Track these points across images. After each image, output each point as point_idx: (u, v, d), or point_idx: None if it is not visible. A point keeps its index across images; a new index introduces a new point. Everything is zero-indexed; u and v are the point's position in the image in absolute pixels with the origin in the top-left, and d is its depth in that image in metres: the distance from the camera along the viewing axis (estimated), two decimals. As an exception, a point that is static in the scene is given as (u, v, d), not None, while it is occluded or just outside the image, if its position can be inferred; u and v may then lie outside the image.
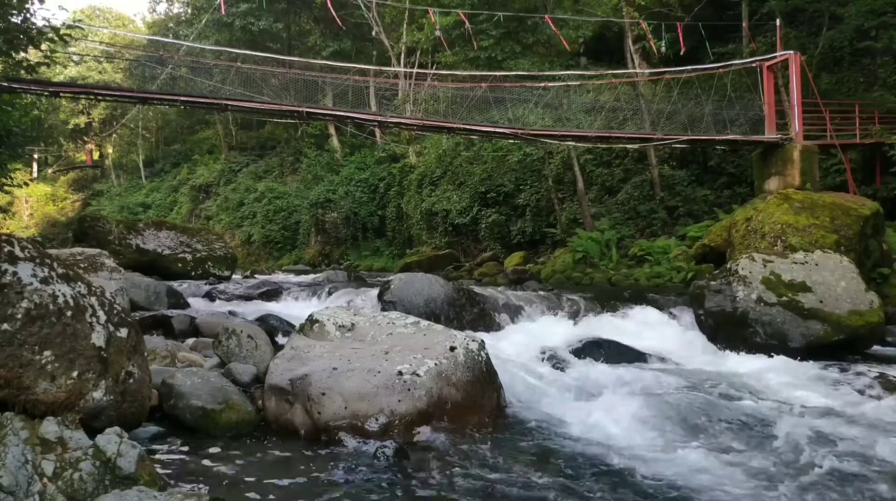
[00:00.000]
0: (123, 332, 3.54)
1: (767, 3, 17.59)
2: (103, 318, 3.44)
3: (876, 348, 7.09)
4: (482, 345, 4.58)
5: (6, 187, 19.61)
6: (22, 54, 11.56)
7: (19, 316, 3.08)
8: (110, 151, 50.93)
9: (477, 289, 9.00)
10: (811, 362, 6.29)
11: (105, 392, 3.29)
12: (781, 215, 9.56)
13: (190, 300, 9.55)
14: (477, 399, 4.23)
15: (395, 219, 27.10)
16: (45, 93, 15.07)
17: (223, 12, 28.01)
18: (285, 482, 3.17)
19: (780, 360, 6.39)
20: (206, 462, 3.39)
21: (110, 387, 3.32)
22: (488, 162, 22.46)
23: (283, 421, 3.94)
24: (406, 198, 26.16)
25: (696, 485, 3.28)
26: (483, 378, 4.35)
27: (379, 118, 16.64)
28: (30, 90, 14.15)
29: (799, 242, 8.86)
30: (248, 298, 10.06)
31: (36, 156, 46.58)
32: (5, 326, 3.03)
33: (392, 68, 23.22)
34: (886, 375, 5.72)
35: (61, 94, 16.07)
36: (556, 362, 6.03)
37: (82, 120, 46.96)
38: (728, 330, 7.10)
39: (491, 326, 7.88)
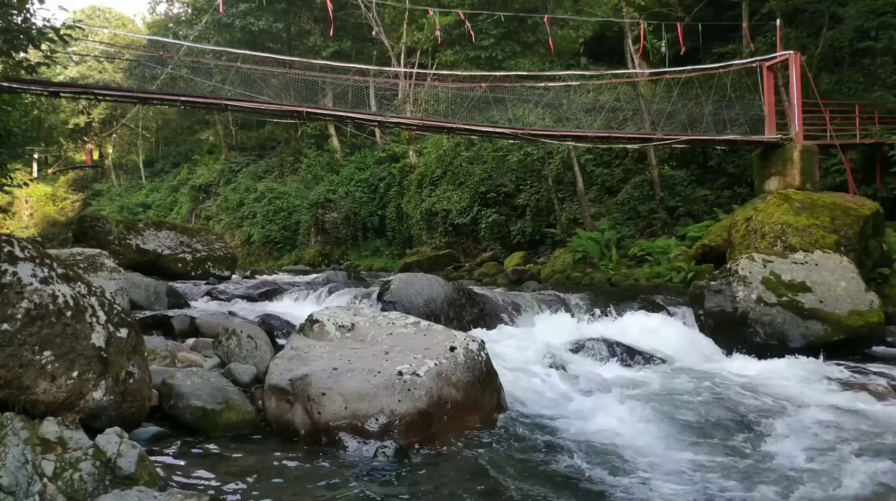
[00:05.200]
0: (123, 332, 3.54)
1: (767, 3, 17.60)
2: (103, 318, 3.44)
3: (876, 348, 7.09)
4: (482, 345, 4.57)
5: (6, 187, 19.58)
6: (22, 54, 11.55)
7: (19, 316, 3.08)
8: (110, 151, 50.91)
9: (477, 289, 8.99)
10: (811, 362, 6.29)
11: (105, 392, 3.29)
12: (781, 215, 9.55)
13: (190, 301, 9.54)
14: (477, 400, 4.23)
15: (395, 219, 27.09)
16: (45, 93, 15.05)
17: (223, 13, 27.99)
18: (285, 482, 3.17)
19: (780, 360, 6.39)
20: (206, 462, 3.39)
21: (110, 387, 3.32)
22: (488, 162, 22.45)
23: (283, 421, 3.93)
24: (406, 198, 26.15)
25: (695, 485, 3.28)
26: (483, 379, 4.35)
27: (379, 118, 16.63)
28: (30, 90, 14.15)
29: (799, 242, 8.85)
30: (248, 298, 10.03)
31: (36, 156, 46.57)
32: (5, 326, 3.03)
33: (392, 68, 23.20)
34: (887, 375, 5.72)
35: (61, 94, 16.04)
36: (557, 362, 6.03)
37: (82, 120, 46.89)
38: (728, 330, 7.10)
39: (491, 326, 7.86)
